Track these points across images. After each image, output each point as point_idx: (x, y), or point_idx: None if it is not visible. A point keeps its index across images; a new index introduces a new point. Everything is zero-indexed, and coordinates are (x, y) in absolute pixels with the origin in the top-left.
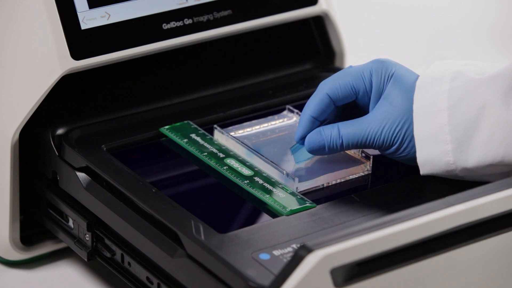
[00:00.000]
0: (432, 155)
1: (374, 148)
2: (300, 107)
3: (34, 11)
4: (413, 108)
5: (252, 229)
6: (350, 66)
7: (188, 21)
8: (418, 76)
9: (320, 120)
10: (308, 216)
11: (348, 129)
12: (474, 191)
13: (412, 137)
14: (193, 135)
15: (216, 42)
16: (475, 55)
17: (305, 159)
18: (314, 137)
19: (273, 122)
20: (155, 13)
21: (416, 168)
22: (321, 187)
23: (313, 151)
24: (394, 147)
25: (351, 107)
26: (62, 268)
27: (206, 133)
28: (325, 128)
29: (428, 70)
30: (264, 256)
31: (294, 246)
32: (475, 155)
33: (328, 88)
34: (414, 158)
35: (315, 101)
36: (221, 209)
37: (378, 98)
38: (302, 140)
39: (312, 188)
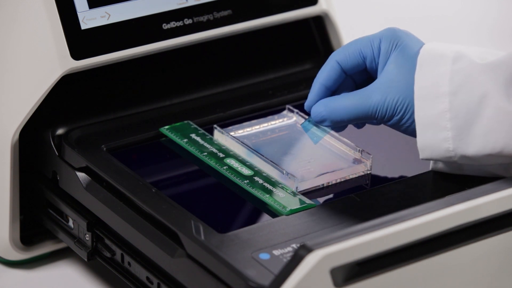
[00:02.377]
0: (432, 140)
1: (377, 119)
2: (300, 107)
3: (34, 11)
4: (414, 88)
5: (252, 229)
6: None
7: (188, 21)
8: (422, 44)
9: (332, 90)
10: (308, 216)
11: (351, 101)
12: (474, 191)
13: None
14: (193, 135)
15: (216, 42)
16: None
17: (321, 136)
18: (317, 109)
19: (273, 122)
20: (155, 13)
21: (416, 167)
22: (321, 187)
23: (319, 122)
24: (396, 118)
25: (366, 79)
26: (62, 268)
27: (206, 133)
28: (329, 100)
29: (429, 45)
30: (264, 256)
31: (294, 246)
32: (474, 144)
33: (337, 55)
34: (415, 130)
35: (326, 69)
36: (221, 209)
37: (384, 64)
38: (308, 107)
39: (312, 188)
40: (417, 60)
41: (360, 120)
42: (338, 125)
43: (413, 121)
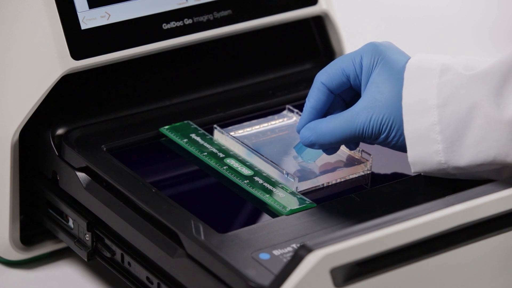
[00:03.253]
0: (423, 154)
1: (364, 139)
2: (300, 107)
3: (34, 11)
4: (402, 104)
5: (252, 229)
6: None
7: (188, 21)
8: (406, 56)
9: (322, 111)
10: (308, 216)
11: (336, 123)
12: (474, 191)
13: (401, 125)
14: (193, 135)
15: (216, 42)
16: (475, 55)
17: (315, 157)
18: (305, 134)
19: (273, 122)
20: (155, 13)
21: None
22: (321, 186)
23: (308, 146)
24: (383, 136)
25: (354, 95)
26: (62, 268)
27: (206, 133)
28: (316, 123)
29: (415, 59)
30: (264, 256)
31: (294, 246)
32: (466, 155)
33: (322, 76)
34: (404, 146)
35: (313, 92)
36: (221, 209)
37: (367, 81)
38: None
39: (312, 187)
40: (402, 75)
41: (348, 141)
42: (328, 147)
43: (400, 137)
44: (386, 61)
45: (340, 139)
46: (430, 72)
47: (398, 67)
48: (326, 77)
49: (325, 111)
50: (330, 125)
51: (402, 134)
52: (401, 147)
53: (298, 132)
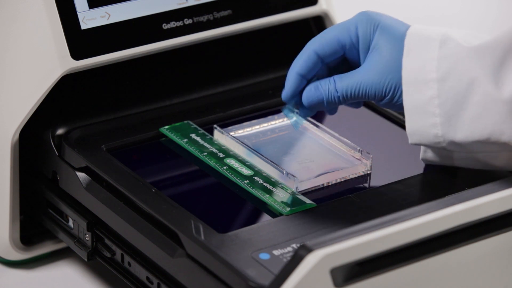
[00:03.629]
0: (420, 126)
1: (369, 99)
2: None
3: (34, 11)
4: (402, 74)
5: (252, 229)
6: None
7: (188, 21)
8: (404, 24)
9: (308, 78)
10: (308, 216)
11: (344, 82)
12: (474, 191)
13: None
14: (193, 135)
15: (216, 42)
16: None
17: (301, 123)
18: (312, 93)
19: (273, 122)
20: (155, 13)
21: (416, 167)
22: (321, 186)
23: (312, 106)
24: (388, 97)
25: (340, 63)
26: (62, 268)
27: (206, 133)
28: (321, 82)
29: (415, 28)
30: (264, 256)
31: (294, 246)
32: (462, 130)
33: (314, 45)
34: None
35: (302, 59)
36: (221, 209)
37: (367, 49)
38: (291, 99)
39: (312, 187)
40: (401, 40)
41: (352, 100)
42: (329, 108)
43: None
44: (383, 27)
45: (347, 98)
46: (430, 43)
47: (395, 32)
48: (320, 46)
49: (310, 79)
50: (334, 84)
51: None
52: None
53: (286, 100)
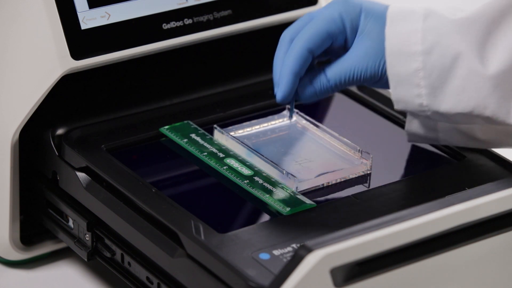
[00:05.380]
0: (405, 95)
1: (363, 83)
2: (300, 107)
3: (34, 11)
4: (385, 45)
5: (252, 229)
6: (309, 15)
7: (188, 21)
8: (385, 6)
9: (301, 76)
10: (308, 216)
11: (335, 71)
12: (474, 191)
13: None
14: (193, 135)
15: (216, 42)
16: None
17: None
18: (307, 88)
19: (273, 122)
20: (155, 13)
21: (416, 167)
22: (321, 186)
23: (308, 100)
24: (383, 79)
25: (324, 51)
26: (62, 268)
27: (206, 133)
28: (314, 76)
29: (397, 3)
30: (264, 256)
31: (294, 246)
32: (447, 102)
33: (304, 42)
34: None
35: (295, 58)
36: (221, 209)
37: (354, 34)
38: (288, 99)
39: (312, 187)
40: (386, 17)
41: (348, 85)
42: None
43: None
44: (366, 10)
45: (340, 85)
46: (413, 15)
47: (380, 13)
48: (311, 42)
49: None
50: (328, 73)
51: None
52: None
53: (283, 102)
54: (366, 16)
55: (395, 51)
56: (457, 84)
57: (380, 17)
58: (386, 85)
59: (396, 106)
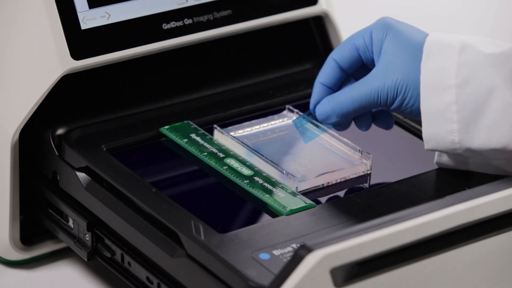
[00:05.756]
0: (437, 132)
1: (380, 105)
2: (300, 107)
3: (34, 11)
4: (420, 78)
5: (252, 229)
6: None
7: (188, 21)
8: (421, 32)
9: (334, 89)
10: (308, 216)
11: (352, 91)
12: (474, 191)
13: (416, 86)
14: (193, 135)
15: (216, 42)
16: None
17: (313, 137)
18: (321, 106)
19: (273, 122)
20: (155, 13)
21: (416, 167)
22: (321, 186)
23: (324, 120)
24: (399, 98)
25: (363, 72)
26: (62, 268)
27: (206, 133)
28: (332, 95)
29: (435, 35)
30: (264, 256)
31: (294, 246)
32: (479, 137)
33: (333, 53)
34: (419, 111)
35: (324, 68)
36: (221, 209)
37: (378, 54)
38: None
39: (312, 187)
40: (414, 41)
41: (366, 108)
42: (344, 120)
43: (416, 99)
44: (396, 31)
45: (357, 106)
46: (450, 49)
47: (406, 37)
48: (337, 52)
49: (336, 89)
50: (345, 94)
51: (418, 96)
52: (417, 113)
53: (313, 112)
54: (392, 38)
55: (429, 85)
56: (490, 118)
57: (403, 41)
58: (405, 112)
59: (427, 146)
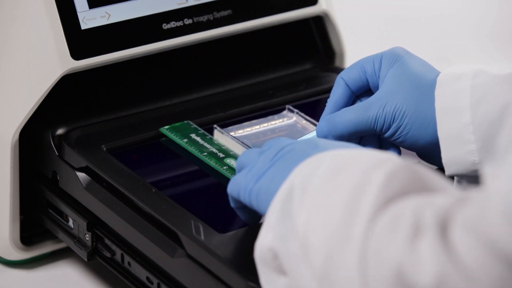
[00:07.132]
0: (457, 155)
1: (376, 130)
2: (300, 107)
3: (34, 11)
4: (435, 105)
5: (252, 229)
6: None
7: (188, 21)
8: (431, 69)
9: (342, 106)
10: None
11: (351, 113)
12: None
13: (413, 113)
14: (193, 135)
15: (216, 42)
16: (476, 55)
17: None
18: (320, 125)
19: (273, 122)
20: (155, 13)
21: None
22: None
23: (321, 137)
24: (394, 125)
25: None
26: (62, 268)
27: (206, 133)
28: (331, 115)
29: (449, 68)
30: None
31: None
32: (499, 154)
33: (342, 72)
34: (415, 142)
35: (334, 87)
36: (221, 209)
37: (384, 80)
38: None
39: None
40: (411, 80)
41: (361, 133)
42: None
43: (412, 127)
44: (403, 61)
45: (352, 130)
46: (463, 76)
47: (414, 67)
48: (346, 72)
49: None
50: (343, 115)
51: (414, 124)
52: (412, 142)
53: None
54: (397, 67)
55: (444, 110)
56: (507, 133)
57: (405, 72)
58: (403, 141)
59: (448, 171)
